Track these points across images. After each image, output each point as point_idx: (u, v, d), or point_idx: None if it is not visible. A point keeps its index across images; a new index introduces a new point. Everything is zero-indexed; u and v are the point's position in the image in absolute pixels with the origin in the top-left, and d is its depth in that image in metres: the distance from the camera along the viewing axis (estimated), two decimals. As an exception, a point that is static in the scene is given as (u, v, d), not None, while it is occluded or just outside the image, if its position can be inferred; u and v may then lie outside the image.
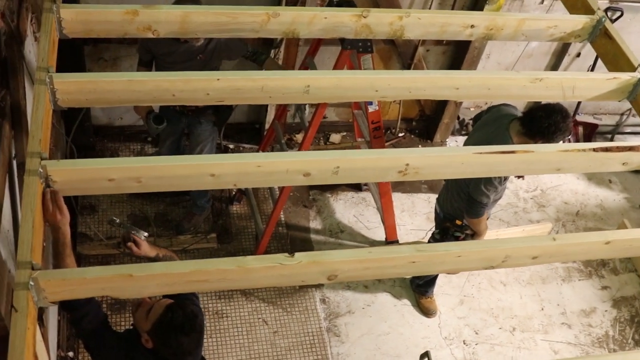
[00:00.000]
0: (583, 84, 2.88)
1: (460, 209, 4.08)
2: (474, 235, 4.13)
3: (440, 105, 5.82)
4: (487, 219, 4.22)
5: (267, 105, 5.38)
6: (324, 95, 2.69)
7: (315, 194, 5.48)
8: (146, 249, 2.79)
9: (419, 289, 4.87)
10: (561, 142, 3.61)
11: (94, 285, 1.95)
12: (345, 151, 2.42)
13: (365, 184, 5.43)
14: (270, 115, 5.35)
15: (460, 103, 5.81)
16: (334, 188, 5.52)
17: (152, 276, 1.97)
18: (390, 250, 2.17)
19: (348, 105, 5.55)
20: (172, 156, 2.37)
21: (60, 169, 2.15)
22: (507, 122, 3.76)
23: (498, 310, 4.96)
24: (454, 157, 2.48)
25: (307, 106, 4.59)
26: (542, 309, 5.03)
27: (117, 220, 2.73)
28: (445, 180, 4.30)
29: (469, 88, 2.79)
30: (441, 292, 4.96)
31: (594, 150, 2.57)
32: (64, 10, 2.59)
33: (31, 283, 1.85)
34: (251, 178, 2.36)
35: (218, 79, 2.53)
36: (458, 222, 4.18)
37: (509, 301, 5.04)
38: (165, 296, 2.93)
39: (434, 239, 4.49)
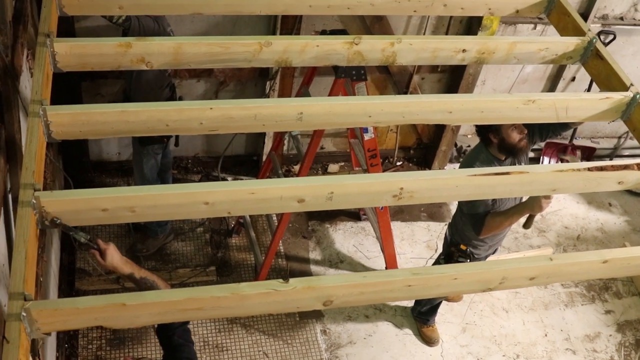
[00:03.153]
0: (576, 104, 2.88)
1: (464, 231, 4.09)
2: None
3: (438, 133, 5.84)
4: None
5: (264, 137, 5.41)
6: (318, 121, 2.68)
7: (315, 224, 5.46)
8: (116, 260, 2.52)
9: (421, 318, 4.83)
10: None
11: (87, 316, 1.92)
12: (339, 176, 2.41)
13: (364, 214, 5.41)
14: (268, 147, 5.36)
15: (457, 130, 5.83)
16: (333, 218, 5.52)
17: (145, 305, 1.94)
18: (386, 274, 2.15)
19: (345, 135, 5.57)
20: (165, 185, 2.37)
21: (53, 199, 2.14)
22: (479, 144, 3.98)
23: (501, 338, 4.91)
24: (448, 180, 2.46)
25: (299, 135, 4.60)
26: (546, 335, 4.98)
27: (58, 221, 2.40)
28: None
29: (462, 112, 2.78)
30: (443, 320, 4.91)
31: (589, 169, 2.56)
32: (57, 44, 2.60)
33: (23, 314, 1.82)
34: (245, 205, 2.35)
35: (211, 108, 2.53)
36: (463, 247, 4.17)
37: (511, 328, 4.99)
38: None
39: (438, 263, 4.47)
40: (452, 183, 2.47)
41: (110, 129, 2.48)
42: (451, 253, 4.24)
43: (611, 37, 5.36)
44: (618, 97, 2.89)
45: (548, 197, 3.57)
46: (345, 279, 2.12)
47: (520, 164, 3.96)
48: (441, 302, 4.72)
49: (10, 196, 2.79)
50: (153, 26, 4.01)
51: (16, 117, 2.80)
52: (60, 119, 2.40)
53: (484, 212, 3.84)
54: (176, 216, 2.36)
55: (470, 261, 4.16)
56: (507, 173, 2.49)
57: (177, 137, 4.77)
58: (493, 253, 4.42)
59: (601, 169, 2.59)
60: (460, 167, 4.13)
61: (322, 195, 2.37)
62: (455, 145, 6.02)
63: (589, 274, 2.39)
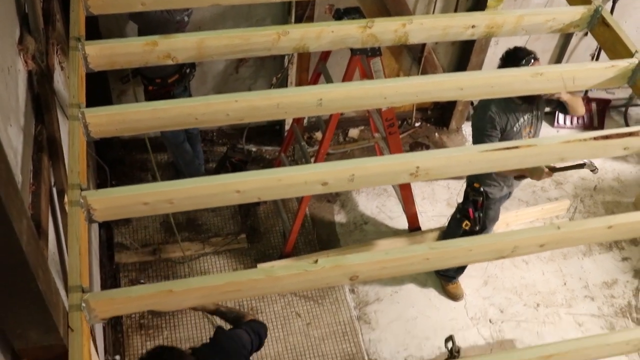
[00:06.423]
0: (583, 74, 3.00)
1: None
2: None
3: (454, 93, 5.95)
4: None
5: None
6: (336, 106, 2.84)
7: (338, 188, 5.65)
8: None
9: (446, 276, 5.03)
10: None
11: (139, 302, 2.15)
12: (359, 159, 2.57)
13: (386, 175, 5.58)
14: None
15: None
16: (355, 181, 5.69)
17: (190, 290, 2.16)
18: (405, 250, 2.34)
19: (363, 100, 5.70)
20: (199, 177, 2.55)
21: (99, 198, 2.35)
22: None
23: (522, 288, 5.12)
24: (461, 157, 2.62)
25: None
26: (565, 284, 5.18)
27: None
28: None
29: (473, 88, 2.92)
30: (465, 275, 5.12)
31: (595, 139, 2.70)
32: (88, 47, 2.77)
33: (83, 305, 2.05)
34: (273, 191, 2.54)
35: (236, 101, 2.70)
36: (476, 185, 4.38)
37: (532, 278, 5.19)
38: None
39: (457, 208, 4.67)
40: (464, 159, 2.64)
41: (144, 125, 2.67)
42: (466, 194, 4.45)
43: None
44: (624, 64, 3.00)
45: (550, 174, 3.85)
46: (369, 256, 2.32)
47: (538, 110, 4.18)
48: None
49: (55, 190, 3.01)
50: (159, 13, 4.18)
51: (55, 117, 3.00)
52: (98, 120, 2.59)
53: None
54: (211, 204, 2.56)
55: (484, 200, 4.37)
56: (517, 147, 2.64)
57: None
58: (508, 197, 4.61)
59: (606, 137, 2.73)
60: (475, 109, 4.27)
61: (344, 177, 2.55)
62: (472, 103, 6.13)
63: (595, 239, 2.56)
